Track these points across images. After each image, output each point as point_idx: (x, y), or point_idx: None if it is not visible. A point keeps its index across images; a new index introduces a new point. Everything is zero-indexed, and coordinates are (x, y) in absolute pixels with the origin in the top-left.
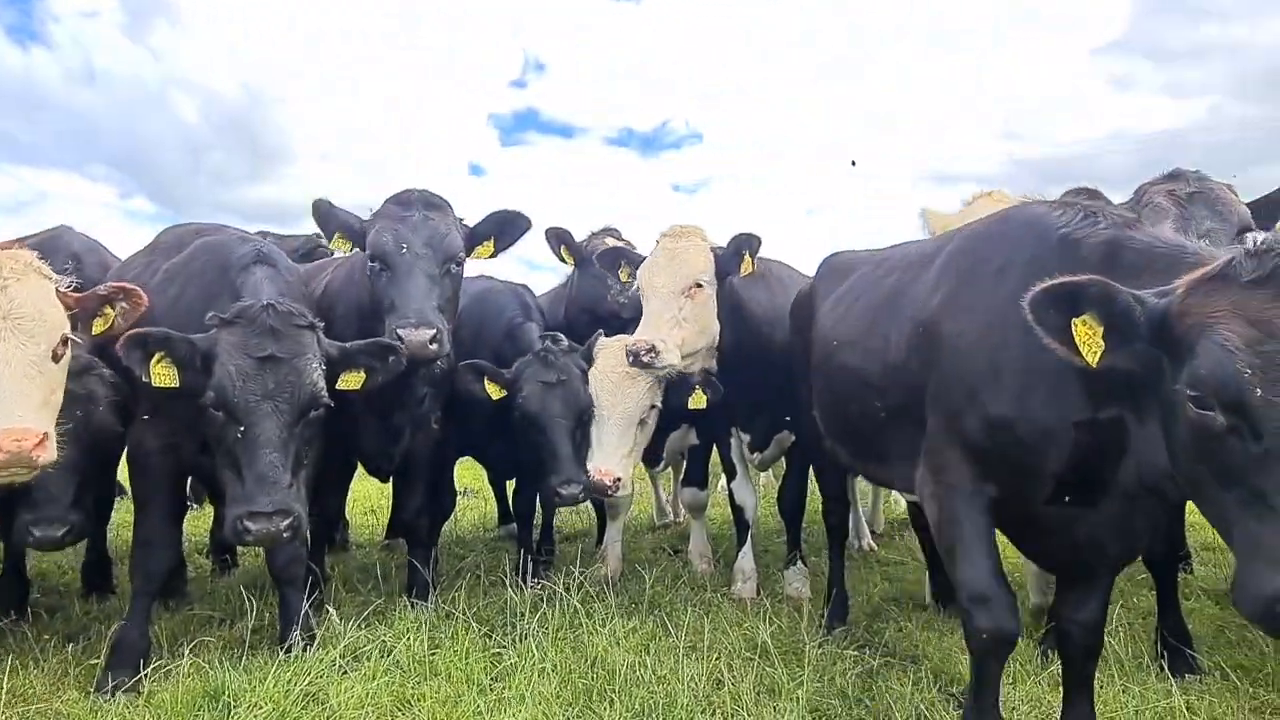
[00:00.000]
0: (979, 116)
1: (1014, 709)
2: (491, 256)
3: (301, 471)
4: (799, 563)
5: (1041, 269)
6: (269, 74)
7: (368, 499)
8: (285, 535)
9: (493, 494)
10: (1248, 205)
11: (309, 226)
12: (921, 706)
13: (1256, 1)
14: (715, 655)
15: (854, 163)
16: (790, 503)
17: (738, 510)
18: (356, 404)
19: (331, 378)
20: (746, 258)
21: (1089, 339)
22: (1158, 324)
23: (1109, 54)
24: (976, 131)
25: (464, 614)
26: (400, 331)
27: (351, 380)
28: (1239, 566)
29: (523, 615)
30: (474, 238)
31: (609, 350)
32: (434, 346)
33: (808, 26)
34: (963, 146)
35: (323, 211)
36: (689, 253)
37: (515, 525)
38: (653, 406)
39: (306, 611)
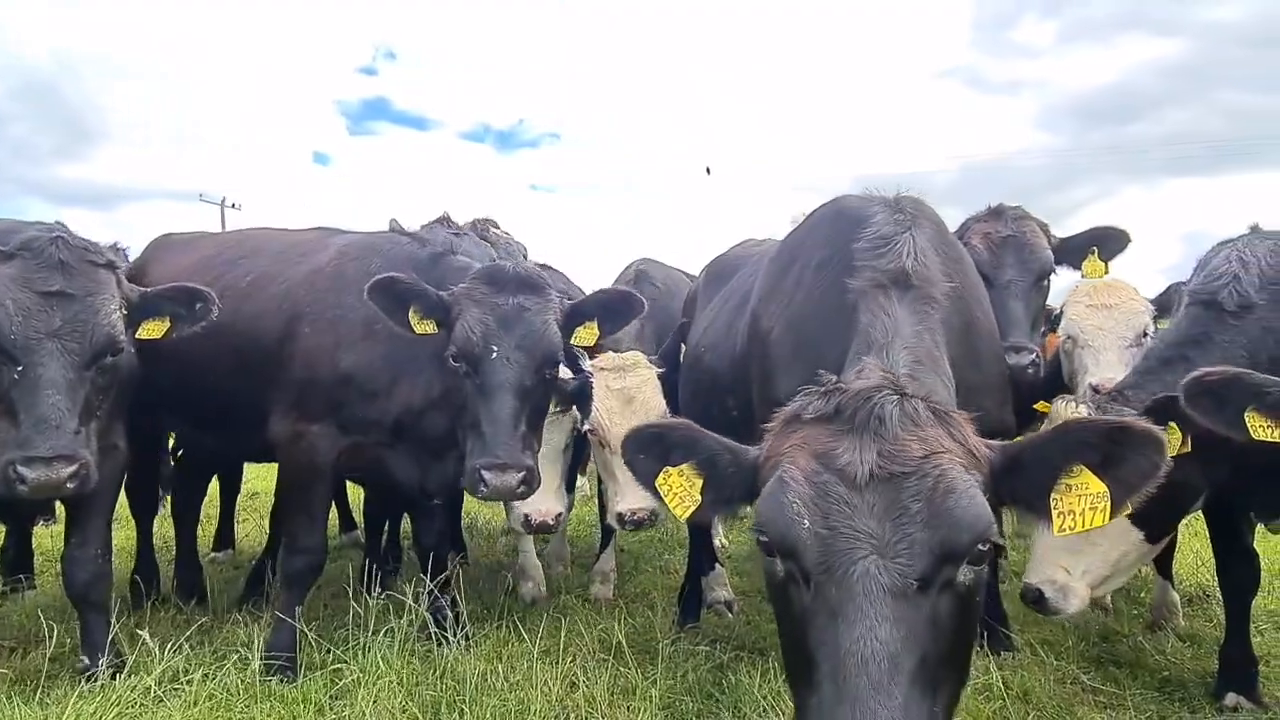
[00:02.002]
0: (828, 134)
1: None
2: (596, 344)
3: (93, 422)
4: (717, 566)
5: (833, 267)
6: (85, 40)
7: None
8: (69, 486)
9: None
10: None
11: (129, 212)
12: (770, 696)
13: (1062, 41)
14: (570, 658)
15: (709, 170)
16: None
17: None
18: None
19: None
20: None
21: (681, 491)
22: (750, 477)
23: (939, 82)
24: (826, 147)
25: (302, 629)
26: (486, 475)
27: (153, 329)
28: None
29: (366, 627)
30: (575, 318)
31: None
32: (522, 490)
33: (668, 31)
34: (814, 160)
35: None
36: (646, 392)
37: (359, 532)
38: (574, 430)
39: (115, 635)
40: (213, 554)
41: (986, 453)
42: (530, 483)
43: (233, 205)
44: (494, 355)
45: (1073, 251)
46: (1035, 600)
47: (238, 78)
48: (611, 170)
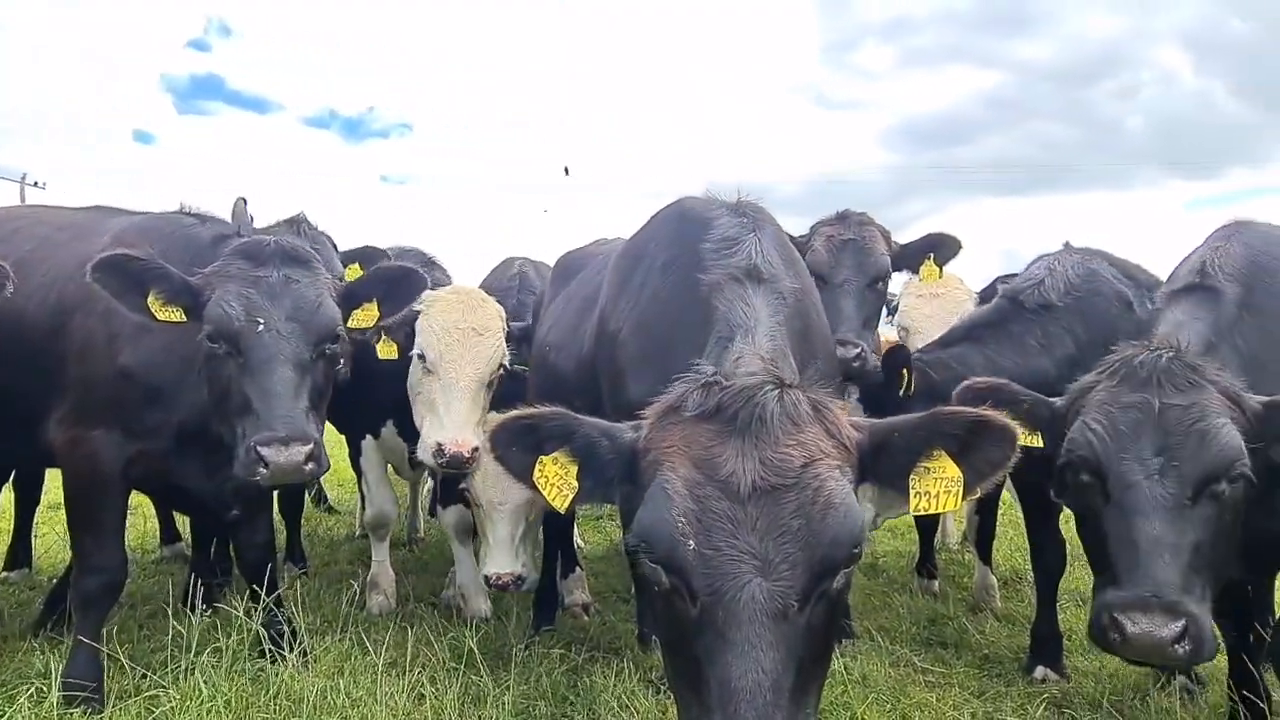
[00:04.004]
0: (684, 142)
1: None
2: (376, 325)
3: None
4: (576, 569)
5: (680, 267)
6: None
7: None
8: None
9: (154, 508)
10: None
11: None
12: (624, 696)
13: (898, 66)
14: (419, 669)
15: (567, 170)
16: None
17: None
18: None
19: None
20: None
21: (558, 479)
22: (629, 460)
23: (789, 97)
24: (683, 154)
25: (111, 652)
26: (264, 451)
27: None
28: None
29: (188, 647)
30: (352, 299)
31: (448, 303)
32: (310, 467)
33: (525, 31)
34: (669, 166)
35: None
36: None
37: (184, 544)
38: (501, 366)
39: None
40: (4, 574)
41: (856, 436)
42: (320, 460)
43: (35, 183)
44: (260, 328)
45: (911, 256)
46: None
47: (46, 42)
48: (466, 166)
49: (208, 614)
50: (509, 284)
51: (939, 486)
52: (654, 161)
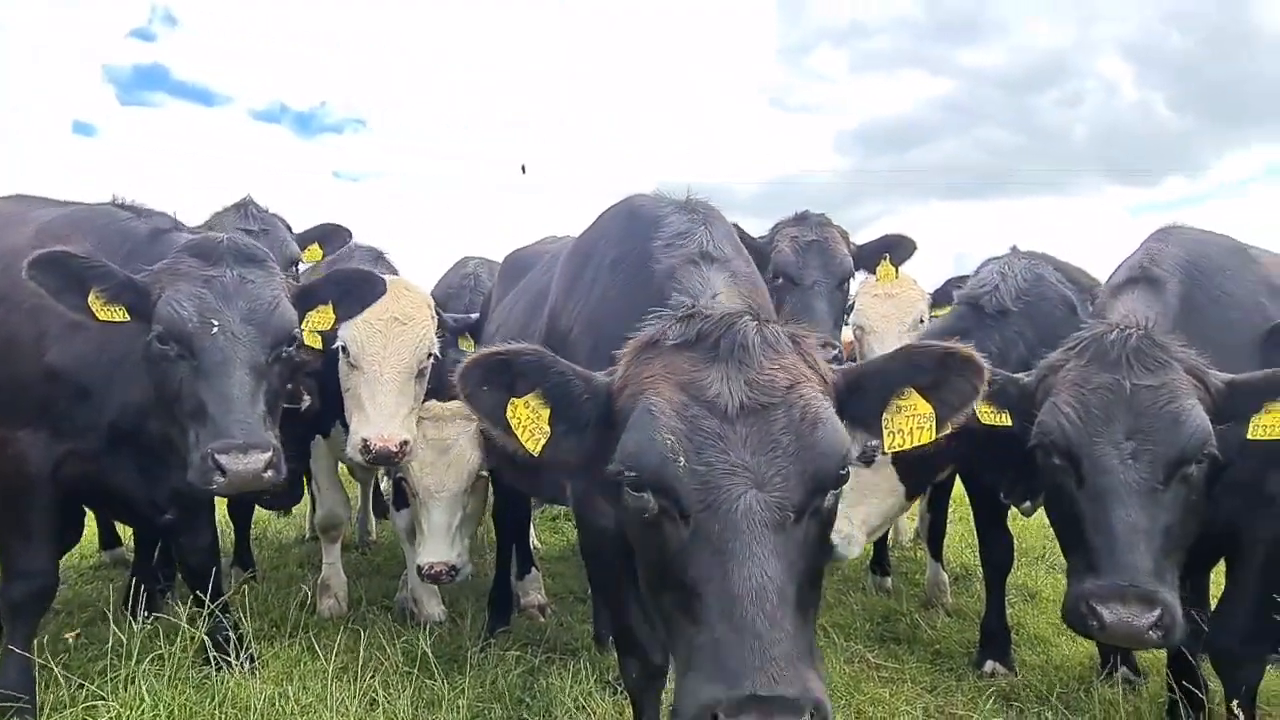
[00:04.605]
0: (640, 141)
1: None
2: (332, 328)
3: None
4: (533, 570)
5: (630, 263)
6: None
7: None
8: None
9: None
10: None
11: None
12: (580, 698)
13: (852, 71)
14: (370, 674)
15: (524, 169)
16: (498, 511)
17: None
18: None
19: None
20: None
21: (530, 423)
22: (604, 403)
23: (747, 100)
24: (638, 154)
25: (47, 662)
26: (222, 459)
27: None
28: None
29: (129, 655)
30: (307, 300)
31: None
32: (269, 475)
33: (484, 28)
34: (627, 166)
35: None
36: (463, 444)
37: (124, 549)
38: (430, 355)
39: None
40: None
41: (833, 377)
42: (279, 467)
43: None
44: (214, 329)
45: (867, 257)
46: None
47: None
48: (422, 163)
49: (150, 620)
50: (462, 283)
51: (912, 423)
52: (613, 161)
